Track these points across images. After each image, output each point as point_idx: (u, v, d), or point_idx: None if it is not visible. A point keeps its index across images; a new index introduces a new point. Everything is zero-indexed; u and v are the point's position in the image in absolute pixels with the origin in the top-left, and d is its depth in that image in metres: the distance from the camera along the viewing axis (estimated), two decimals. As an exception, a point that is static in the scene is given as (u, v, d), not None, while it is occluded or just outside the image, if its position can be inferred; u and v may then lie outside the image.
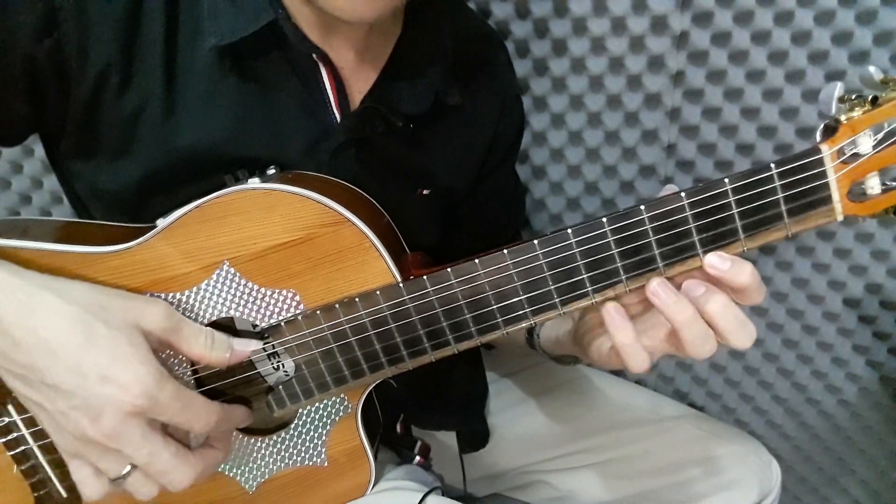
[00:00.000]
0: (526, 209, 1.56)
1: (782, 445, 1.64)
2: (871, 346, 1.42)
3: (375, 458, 0.99)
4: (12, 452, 0.91)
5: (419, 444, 1.22)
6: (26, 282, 0.76)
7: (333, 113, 0.96)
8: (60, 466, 0.92)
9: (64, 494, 0.94)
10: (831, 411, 1.53)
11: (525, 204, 1.37)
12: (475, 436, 1.34)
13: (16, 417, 0.88)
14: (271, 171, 0.91)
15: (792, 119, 1.29)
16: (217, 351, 0.83)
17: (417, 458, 1.21)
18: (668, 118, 1.38)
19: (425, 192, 1.09)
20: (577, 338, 0.95)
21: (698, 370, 1.63)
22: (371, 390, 0.97)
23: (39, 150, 1.59)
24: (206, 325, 0.86)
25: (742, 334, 0.77)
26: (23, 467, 0.91)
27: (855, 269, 1.37)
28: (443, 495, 1.09)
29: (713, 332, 0.78)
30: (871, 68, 0.73)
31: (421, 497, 1.03)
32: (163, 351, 0.85)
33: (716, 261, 0.76)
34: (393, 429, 1.22)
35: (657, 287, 0.77)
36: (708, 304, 0.76)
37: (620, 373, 1.66)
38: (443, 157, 1.09)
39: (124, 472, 0.77)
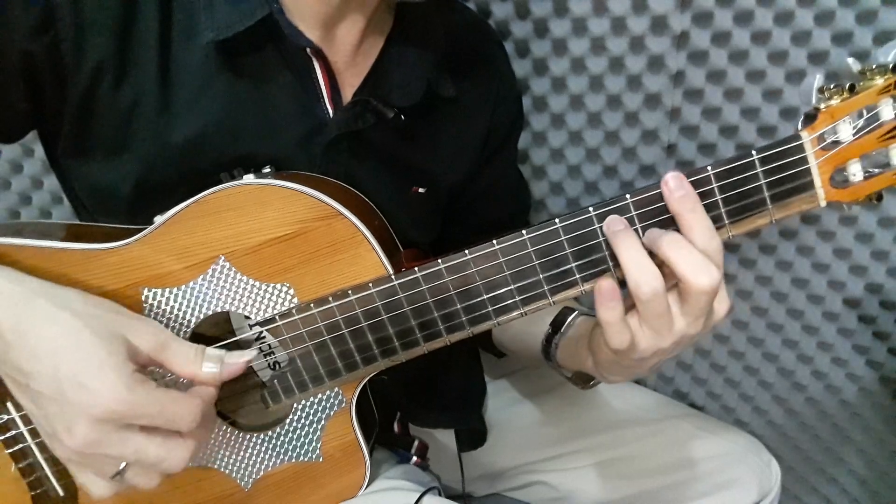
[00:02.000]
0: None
1: (782, 445, 1.63)
2: (871, 346, 1.41)
3: (371, 455, 0.99)
4: (10, 451, 0.91)
5: (416, 443, 1.22)
6: (23, 288, 0.77)
7: (326, 107, 0.97)
8: (58, 465, 0.92)
9: (61, 493, 0.94)
10: (831, 411, 1.52)
11: (531, 199, 1.37)
12: (473, 434, 1.34)
13: (14, 415, 0.89)
14: (266, 170, 0.92)
15: (792, 119, 1.29)
16: (208, 367, 0.81)
17: (415, 457, 1.21)
18: (668, 118, 1.38)
19: (420, 189, 1.09)
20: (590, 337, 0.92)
21: (698, 370, 1.62)
22: (367, 389, 0.97)
23: (39, 150, 1.57)
24: (202, 320, 0.87)
25: (700, 272, 0.73)
26: (20, 465, 0.92)
27: (855, 269, 1.36)
28: (440, 495, 1.09)
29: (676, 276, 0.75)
30: (850, 59, 0.74)
31: (417, 497, 1.03)
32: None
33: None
34: (390, 428, 1.22)
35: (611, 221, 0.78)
36: (663, 242, 0.75)
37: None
38: (438, 151, 1.10)
39: (120, 468, 0.76)
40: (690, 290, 0.74)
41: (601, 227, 0.79)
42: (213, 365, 0.81)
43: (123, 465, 0.76)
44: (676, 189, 0.75)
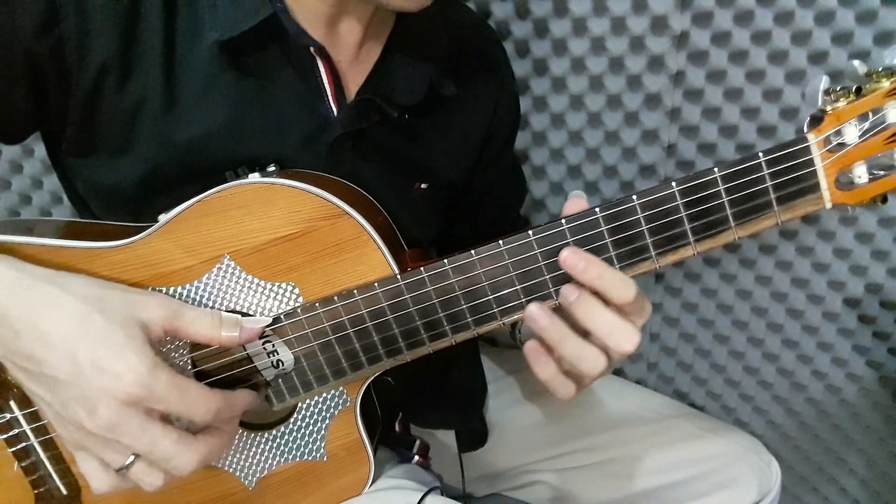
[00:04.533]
0: (526, 209, 1.57)
1: (782, 445, 1.64)
2: (871, 346, 1.42)
3: (374, 454, 0.99)
4: (13, 449, 0.91)
5: (418, 443, 1.22)
6: (27, 275, 0.77)
7: (330, 106, 0.97)
8: (61, 463, 0.92)
9: (64, 491, 0.94)
10: (831, 411, 1.53)
11: (526, 182, 1.39)
12: (474, 434, 1.34)
13: (17, 413, 0.89)
14: (271, 168, 0.92)
15: (792, 119, 1.29)
16: (226, 330, 0.81)
17: (416, 457, 1.21)
18: (668, 118, 1.38)
19: (423, 185, 1.09)
20: None
21: (698, 370, 1.63)
22: (371, 388, 0.97)
23: (39, 150, 1.59)
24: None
25: (619, 336, 0.80)
26: (23, 464, 0.92)
27: (855, 269, 1.37)
28: (442, 495, 1.09)
29: (596, 340, 0.81)
30: (856, 62, 0.75)
31: (420, 497, 1.03)
32: (168, 341, 0.86)
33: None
34: (392, 428, 1.22)
35: (534, 310, 0.82)
36: (578, 309, 0.80)
37: (620, 372, 1.67)
38: (440, 148, 1.10)
39: (127, 462, 0.76)
40: (615, 353, 0.81)
41: (607, 230, 0.79)
42: (231, 328, 0.82)
43: (132, 458, 0.76)
44: (576, 263, 0.79)
